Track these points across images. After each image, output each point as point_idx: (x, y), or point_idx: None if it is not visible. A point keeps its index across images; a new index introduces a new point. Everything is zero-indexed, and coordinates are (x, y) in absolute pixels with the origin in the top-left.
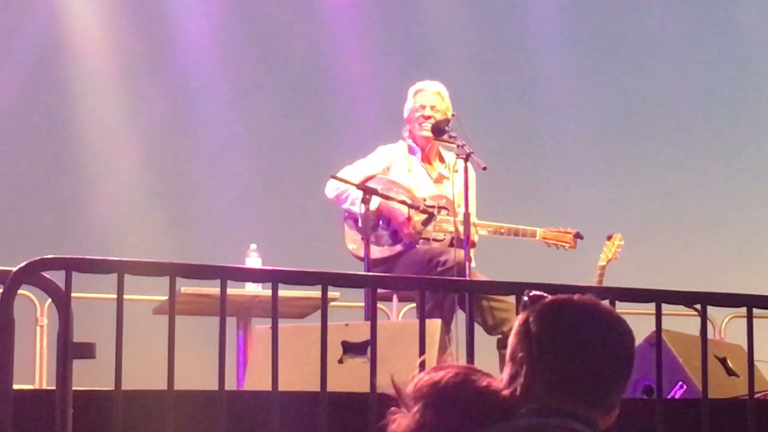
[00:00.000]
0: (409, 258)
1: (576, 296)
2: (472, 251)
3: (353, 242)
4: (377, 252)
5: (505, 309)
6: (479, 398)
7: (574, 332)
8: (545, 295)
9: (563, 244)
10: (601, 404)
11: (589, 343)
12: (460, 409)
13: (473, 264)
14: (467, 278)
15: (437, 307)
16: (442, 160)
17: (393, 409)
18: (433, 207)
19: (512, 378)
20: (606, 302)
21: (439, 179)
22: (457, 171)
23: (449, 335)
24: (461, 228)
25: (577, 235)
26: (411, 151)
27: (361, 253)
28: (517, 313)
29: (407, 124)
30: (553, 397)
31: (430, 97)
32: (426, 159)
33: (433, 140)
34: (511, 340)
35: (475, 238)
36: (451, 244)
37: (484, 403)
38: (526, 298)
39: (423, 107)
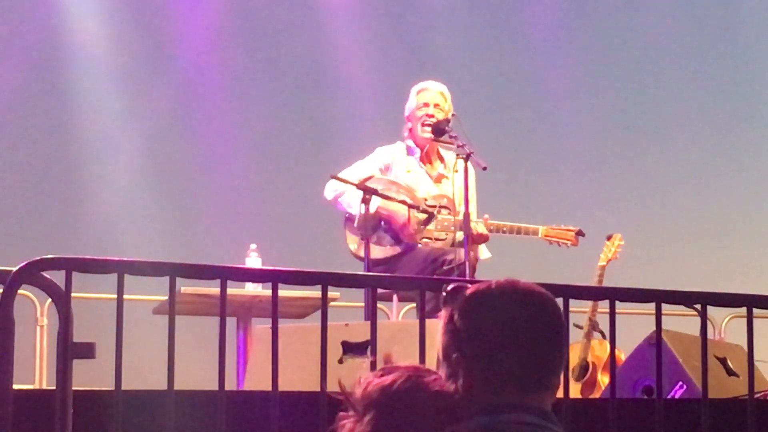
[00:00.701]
0: (411, 258)
1: (494, 282)
2: (484, 245)
3: (354, 242)
4: (379, 252)
5: None
6: (431, 402)
7: (499, 322)
8: (465, 286)
9: (565, 241)
10: (546, 386)
11: (516, 330)
12: (412, 415)
13: (488, 255)
14: (467, 278)
15: (440, 308)
16: (441, 159)
17: (342, 413)
18: (433, 207)
19: (449, 377)
20: (525, 282)
21: (439, 179)
22: (457, 171)
23: None
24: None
25: (579, 233)
26: (409, 151)
27: (363, 253)
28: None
29: (408, 123)
30: (496, 392)
31: (433, 96)
32: (425, 159)
33: (432, 140)
34: (440, 338)
35: (482, 231)
36: (454, 243)
37: (436, 407)
38: (444, 294)
39: (426, 105)
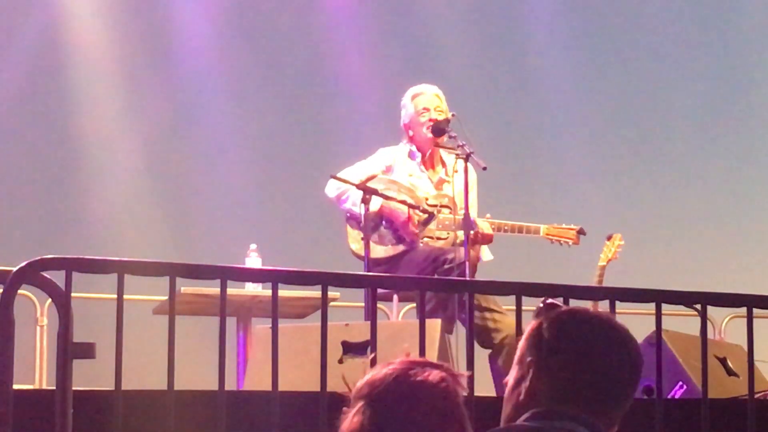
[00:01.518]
0: (412, 257)
1: (592, 310)
2: (486, 247)
3: (356, 242)
4: (381, 251)
5: (500, 321)
6: (417, 395)
7: (585, 343)
8: (560, 304)
9: (567, 240)
10: (603, 418)
11: (598, 355)
12: (397, 407)
13: (491, 257)
14: (467, 278)
15: (441, 307)
16: (443, 164)
17: (345, 409)
18: (434, 206)
19: (518, 381)
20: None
21: (440, 183)
22: (456, 171)
23: (451, 335)
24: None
25: (581, 231)
26: (411, 155)
27: (365, 253)
28: (519, 323)
29: (408, 131)
30: (558, 403)
31: (432, 99)
32: (427, 164)
33: (435, 145)
34: (521, 344)
35: (487, 231)
36: (455, 242)
37: (424, 400)
38: (541, 305)
39: (427, 110)
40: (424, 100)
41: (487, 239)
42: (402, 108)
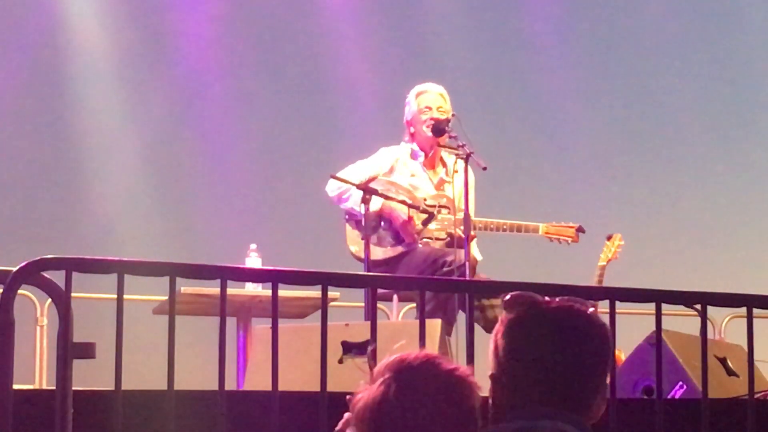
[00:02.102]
0: (411, 258)
1: (551, 302)
2: (477, 246)
3: (355, 244)
4: (380, 253)
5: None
6: (442, 380)
7: (540, 344)
8: (524, 295)
9: (566, 238)
10: (584, 410)
11: (556, 353)
12: (422, 387)
13: (480, 258)
14: (467, 278)
15: (440, 308)
16: (444, 164)
17: (363, 382)
18: (433, 206)
19: (497, 379)
20: (584, 306)
21: (441, 184)
22: (456, 171)
23: (450, 337)
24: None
25: (580, 229)
26: (413, 155)
27: (363, 254)
28: None
29: (409, 128)
30: (537, 401)
31: (435, 98)
32: (428, 164)
33: (436, 145)
34: (499, 341)
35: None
36: (450, 243)
37: (446, 386)
38: (503, 301)
39: (429, 109)
40: (428, 99)
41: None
42: (406, 104)
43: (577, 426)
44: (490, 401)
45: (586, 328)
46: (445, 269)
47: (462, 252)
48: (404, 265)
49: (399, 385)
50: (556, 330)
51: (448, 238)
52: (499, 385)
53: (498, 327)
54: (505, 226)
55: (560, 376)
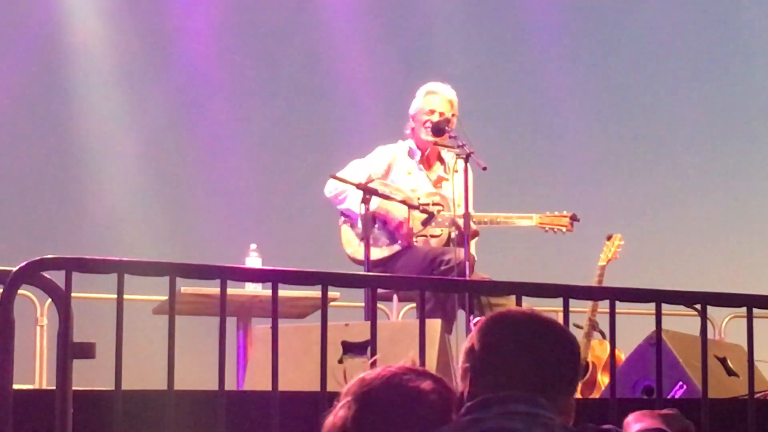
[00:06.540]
0: (409, 257)
1: (516, 309)
2: (474, 246)
3: (350, 246)
4: (376, 253)
5: (505, 304)
6: (409, 397)
7: (521, 333)
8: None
9: (561, 227)
10: (558, 398)
11: (536, 340)
12: (382, 407)
13: (475, 256)
14: (467, 278)
15: (440, 308)
16: (442, 162)
17: (335, 403)
18: (427, 204)
19: (463, 388)
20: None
21: (438, 182)
22: (456, 171)
23: (450, 336)
24: (459, 222)
25: (573, 218)
26: (411, 153)
27: (360, 257)
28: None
29: (411, 122)
30: (513, 388)
31: (441, 103)
32: (426, 162)
33: (434, 144)
34: (468, 342)
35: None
36: (448, 243)
37: (410, 406)
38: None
39: (432, 112)
40: (434, 102)
41: (473, 234)
42: (414, 98)
43: (531, 403)
44: (465, 393)
45: (558, 327)
46: (443, 268)
47: (460, 250)
48: (402, 265)
49: (359, 408)
50: (530, 321)
51: (442, 233)
52: (476, 375)
53: (474, 330)
54: (498, 219)
55: (536, 363)
